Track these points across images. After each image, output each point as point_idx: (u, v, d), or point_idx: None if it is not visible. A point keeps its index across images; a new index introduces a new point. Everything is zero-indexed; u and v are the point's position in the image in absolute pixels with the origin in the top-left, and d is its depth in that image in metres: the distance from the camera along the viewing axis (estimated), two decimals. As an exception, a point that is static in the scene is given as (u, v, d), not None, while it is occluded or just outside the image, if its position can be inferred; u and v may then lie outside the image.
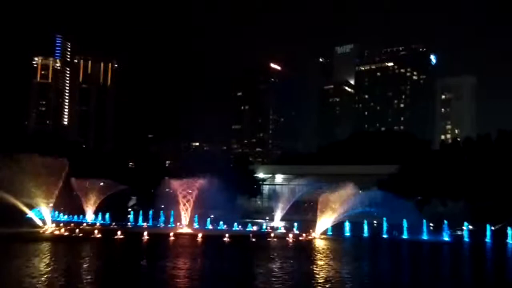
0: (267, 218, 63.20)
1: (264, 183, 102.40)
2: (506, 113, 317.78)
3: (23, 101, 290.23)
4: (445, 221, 47.49)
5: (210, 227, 52.92)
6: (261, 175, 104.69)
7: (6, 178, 46.73)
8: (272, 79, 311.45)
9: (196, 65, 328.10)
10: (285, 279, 23.32)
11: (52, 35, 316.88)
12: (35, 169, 48.41)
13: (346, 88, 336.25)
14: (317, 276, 24.81)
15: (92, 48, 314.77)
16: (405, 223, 46.63)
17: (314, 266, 28.23)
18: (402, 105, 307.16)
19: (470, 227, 47.85)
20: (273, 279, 23.04)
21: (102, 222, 55.62)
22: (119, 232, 41.42)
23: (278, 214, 64.78)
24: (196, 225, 51.93)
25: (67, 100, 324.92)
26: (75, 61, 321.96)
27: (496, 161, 68.45)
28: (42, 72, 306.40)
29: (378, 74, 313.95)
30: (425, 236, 45.63)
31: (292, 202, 66.15)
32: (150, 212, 57.28)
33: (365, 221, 49.01)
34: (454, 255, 37.37)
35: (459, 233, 48.98)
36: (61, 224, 49.44)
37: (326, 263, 29.47)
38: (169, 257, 31.07)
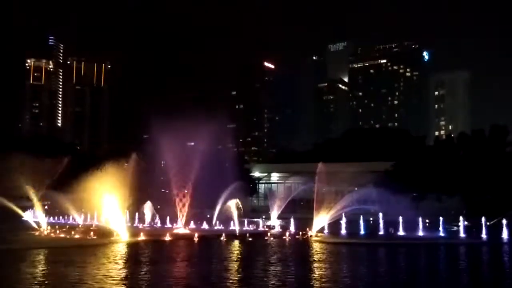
0: (264, 216, 63.13)
1: (260, 182, 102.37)
2: (499, 108, 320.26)
3: (16, 103, 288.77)
4: (441, 217, 47.66)
5: (207, 227, 52.80)
6: (257, 174, 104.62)
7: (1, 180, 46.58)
8: (266, 78, 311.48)
9: (191, 65, 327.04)
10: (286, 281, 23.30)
11: (45, 37, 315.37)
12: (30, 170, 48.30)
13: (340, 85, 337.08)
14: (316, 278, 24.83)
15: (85, 49, 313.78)
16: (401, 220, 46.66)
17: (313, 267, 28.26)
18: (396, 102, 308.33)
19: (466, 222, 47.97)
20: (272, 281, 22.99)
21: (97, 223, 55.33)
22: (115, 234, 41.38)
23: (275, 212, 64.75)
24: (192, 225, 51.93)
25: (60, 102, 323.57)
26: (68, 62, 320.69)
27: (490, 156, 68.80)
28: (35, 74, 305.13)
29: (372, 71, 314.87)
30: (421, 233, 45.71)
31: (288, 200, 66.18)
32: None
33: (361, 218, 48.98)
34: (453, 254, 37.37)
35: (455, 228, 49.13)
36: (57, 226, 49.22)
37: (324, 265, 29.51)
38: (168, 260, 31.08)
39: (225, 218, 52.84)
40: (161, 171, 57.82)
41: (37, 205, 50.20)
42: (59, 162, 57.28)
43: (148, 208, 57.77)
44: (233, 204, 51.36)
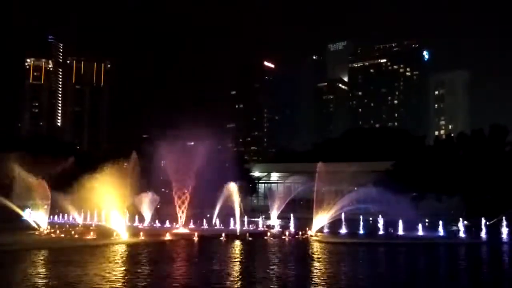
0: (263, 216, 63.18)
1: (260, 181, 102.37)
2: (499, 108, 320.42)
3: (15, 103, 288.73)
4: (441, 217, 47.71)
5: (206, 226, 52.81)
6: (256, 173, 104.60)
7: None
8: (266, 78, 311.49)
9: (190, 64, 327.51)
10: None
11: (45, 36, 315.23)
12: (29, 170, 48.33)
13: (340, 85, 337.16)
14: (316, 277, 24.86)
15: (85, 48, 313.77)
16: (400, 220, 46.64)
17: (313, 267, 28.30)
18: (395, 102, 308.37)
19: (465, 222, 48.00)
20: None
21: (97, 223, 55.34)
22: (115, 233, 41.43)
23: (274, 212, 64.78)
24: (191, 225, 51.95)
25: (60, 101, 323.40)
26: (68, 61, 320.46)
27: (489, 155, 68.79)
28: (35, 73, 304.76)
29: (371, 70, 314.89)
30: (420, 233, 45.72)
31: (288, 200, 66.20)
32: None
33: (361, 218, 49.00)
34: (452, 254, 37.42)
35: (454, 228, 49.19)
36: (57, 226, 49.25)
37: (324, 265, 29.56)
38: (168, 259, 31.13)
39: (226, 215, 52.79)
40: (161, 170, 57.76)
41: (38, 204, 50.03)
42: (61, 162, 57.38)
43: (147, 201, 57.40)
44: (234, 188, 51.15)
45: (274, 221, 61.21)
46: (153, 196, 58.44)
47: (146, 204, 57.73)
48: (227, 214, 52.77)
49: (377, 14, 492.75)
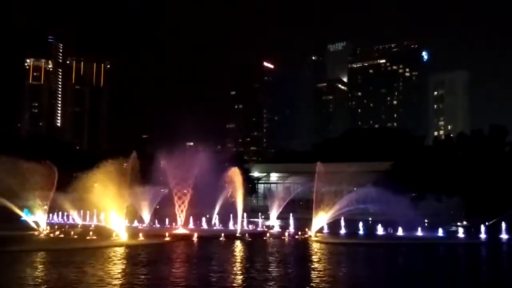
0: (263, 216, 63.17)
1: (259, 181, 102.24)
2: (499, 108, 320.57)
3: (15, 103, 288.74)
4: (441, 217, 47.72)
5: (206, 227, 52.78)
6: (256, 174, 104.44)
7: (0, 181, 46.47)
8: (266, 78, 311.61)
9: (190, 65, 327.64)
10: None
11: (45, 36, 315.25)
12: (28, 171, 48.17)
13: (339, 85, 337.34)
14: (316, 278, 24.87)
15: (85, 49, 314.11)
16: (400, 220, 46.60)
17: (312, 267, 28.30)
18: (395, 102, 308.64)
19: (465, 222, 48.01)
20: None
21: (97, 223, 55.27)
22: (114, 234, 41.39)
23: (274, 212, 64.73)
24: (191, 225, 51.91)
25: (60, 102, 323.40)
26: (68, 62, 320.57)
27: (489, 156, 68.78)
28: (35, 74, 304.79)
29: (371, 71, 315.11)
30: (420, 233, 45.71)
31: (288, 200, 66.15)
32: None
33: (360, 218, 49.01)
34: (451, 254, 37.46)
35: (454, 229, 49.17)
36: (56, 227, 49.19)
37: (323, 265, 29.56)
38: (167, 260, 31.12)
39: (226, 215, 52.73)
40: (160, 171, 57.72)
41: (37, 205, 49.93)
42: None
43: (149, 196, 56.95)
44: (237, 174, 51.14)
45: (274, 221, 61.17)
46: (154, 190, 57.99)
47: (147, 199, 57.35)
48: (226, 214, 52.73)
49: (377, 14, 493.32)
